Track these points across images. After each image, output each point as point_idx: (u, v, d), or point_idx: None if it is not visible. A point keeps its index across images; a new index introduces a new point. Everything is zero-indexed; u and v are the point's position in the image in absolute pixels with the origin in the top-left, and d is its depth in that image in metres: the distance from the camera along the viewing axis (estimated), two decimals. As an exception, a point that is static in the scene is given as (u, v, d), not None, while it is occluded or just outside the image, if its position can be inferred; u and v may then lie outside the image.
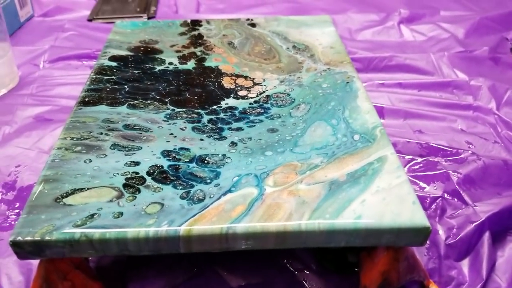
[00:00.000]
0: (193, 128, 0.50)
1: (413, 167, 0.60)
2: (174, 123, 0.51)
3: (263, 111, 0.53)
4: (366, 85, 0.79)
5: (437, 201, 0.55)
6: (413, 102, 0.74)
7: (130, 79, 0.59)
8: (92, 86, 0.58)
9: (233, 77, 0.60)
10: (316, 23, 0.74)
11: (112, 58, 0.64)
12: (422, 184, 0.58)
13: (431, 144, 0.63)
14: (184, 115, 0.52)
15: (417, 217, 0.39)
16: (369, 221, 0.38)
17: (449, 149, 0.62)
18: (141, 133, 0.49)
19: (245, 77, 0.60)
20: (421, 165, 0.60)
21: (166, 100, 0.55)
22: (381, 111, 0.71)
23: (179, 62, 0.63)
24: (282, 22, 0.75)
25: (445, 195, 0.56)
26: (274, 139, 0.48)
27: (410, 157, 0.62)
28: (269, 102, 0.55)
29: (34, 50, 0.90)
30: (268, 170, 0.44)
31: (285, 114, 0.52)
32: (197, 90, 0.57)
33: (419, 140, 0.65)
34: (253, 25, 0.74)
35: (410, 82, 0.79)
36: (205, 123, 0.51)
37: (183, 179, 0.43)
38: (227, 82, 0.59)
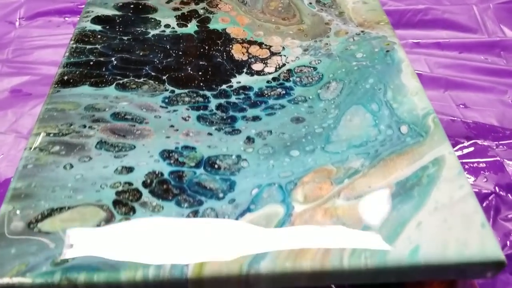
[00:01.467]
0: (199, 118, 0.40)
1: (458, 153, 0.51)
2: (174, 111, 0.41)
3: (284, 92, 0.43)
4: (398, 44, 0.67)
5: (489, 198, 0.46)
6: (454, 67, 0.63)
7: (118, 49, 0.48)
8: (72, 59, 0.47)
9: (245, 44, 0.49)
10: (342, -32, 0.61)
11: (96, 20, 0.52)
12: (469, 175, 0.49)
13: (479, 123, 0.53)
14: (187, 99, 0.42)
15: (489, 247, 0.30)
16: (430, 254, 0.30)
17: (502, 130, 0.53)
18: (134, 125, 0.39)
19: (260, 44, 0.49)
20: (468, 149, 0.51)
21: (164, 77, 0.45)
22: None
23: (177, 24, 0.51)
24: (301, -32, 0.61)
25: (498, 190, 0.47)
26: (300, 133, 0.39)
27: (455, 139, 0.52)
28: (291, 79, 0.44)
29: (8, 4, 0.77)
30: (295, 177, 0.35)
31: (312, 96, 0.42)
32: (201, 63, 0.46)
33: (465, 118, 0.55)
34: (266, -28, 0.61)
35: (450, 41, 0.67)
36: (213, 110, 0.41)
37: (188, 192, 0.34)
38: (237, 52, 0.48)
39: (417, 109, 0.40)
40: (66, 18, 0.76)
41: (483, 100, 0.58)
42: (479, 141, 0.52)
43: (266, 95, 0.42)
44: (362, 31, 0.50)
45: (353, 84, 0.43)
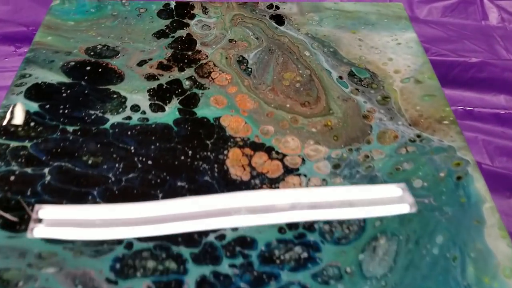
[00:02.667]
0: (168, 309, 0.25)
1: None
2: (129, 291, 0.26)
3: (306, 254, 0.27)
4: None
5: None
6: (522, 156, 0.47)
7: (57, 150, 0.32)
8: (-18, 170, 0.31)
9: (247, 150, 0.33)
10: (382, 19, 0.44)
11: (33, 92, 0.35)
12: None
13: None
14: (151, 264, 0.27)
15: None
16: None
17: None
18: (58, 325, 0.24)
19: (269, 151, 0.33)
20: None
21: (119, 214, 0.29)
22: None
23: (150, 106, 0.35)
24: (328, 16, 0.45)
25: None
26: None
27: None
28: (316, 226, 0.29)
29: None
30: None
31: (351, 269, 0.27)
32: (179, 185, 0.31)
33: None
34: (280, 19, 0.44)
35: (513, 113, 0.52)
36: (191, 290, 0.26)
37: None
38: (235, 163, 0.32)
39: (519, 310, 0.25)
40: (17, 48, 0.60)
41: None
42: None
43: (277, 261, 0.27)
44: (419, 136, 0.34)
45: (412, 245, 0.28)
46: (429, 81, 0.38)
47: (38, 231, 0.27)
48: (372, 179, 0.31)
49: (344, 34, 0.42)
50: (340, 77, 0.38)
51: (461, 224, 0.28)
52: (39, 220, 0.27)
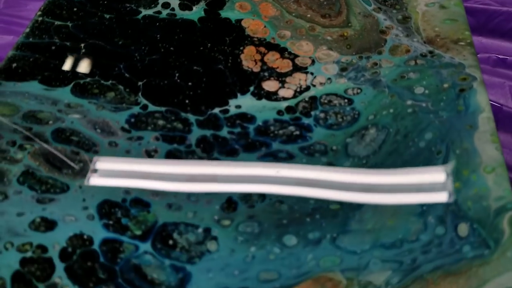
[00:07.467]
0: (169, 155, 0.31)
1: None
2: (138, 138, 0.31)
3: (298, 133, 0.32)
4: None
5: None
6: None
7: (93, 31, 0.38)
8: (30, 39, 0.37)
9: (261, 48, 0.37)
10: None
11: (78, -15, 0.42)
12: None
13: None
14: (161, 122, 0.32)
15: None
16: None
17: None
18: (77, 153, 0.30)
19: (282, 51, 0.37)
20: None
21: (139, 83, 0.35)
22: (495, 115, 0.47)
23: (179, 5, 0.41)
24: None
25: None
26: (306, 206, 0.28)
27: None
28: (312, 113, 0.33)
29: None
30: (281, 286, 0.25)
31: (336, 147, 0.31)
32: (195, 69, 0.36)
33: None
34: None
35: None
36: (191, 145, 0.31)
37: (119, 280, 0.25)
38: (248, 58, 0.37)
39: (489, 198, 0.28)
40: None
41: None
42: None
43: (271, 134, 0.32)
44: (431, 52, 0.37)
45: (400, 137, 0.31)
46: (454, 7, 0.40)
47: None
48: (375, 83, 0.35)
49: (377, -40, 0.45)
50: (365, -3, 0.42)
51: (453, 128, 0.32)
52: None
